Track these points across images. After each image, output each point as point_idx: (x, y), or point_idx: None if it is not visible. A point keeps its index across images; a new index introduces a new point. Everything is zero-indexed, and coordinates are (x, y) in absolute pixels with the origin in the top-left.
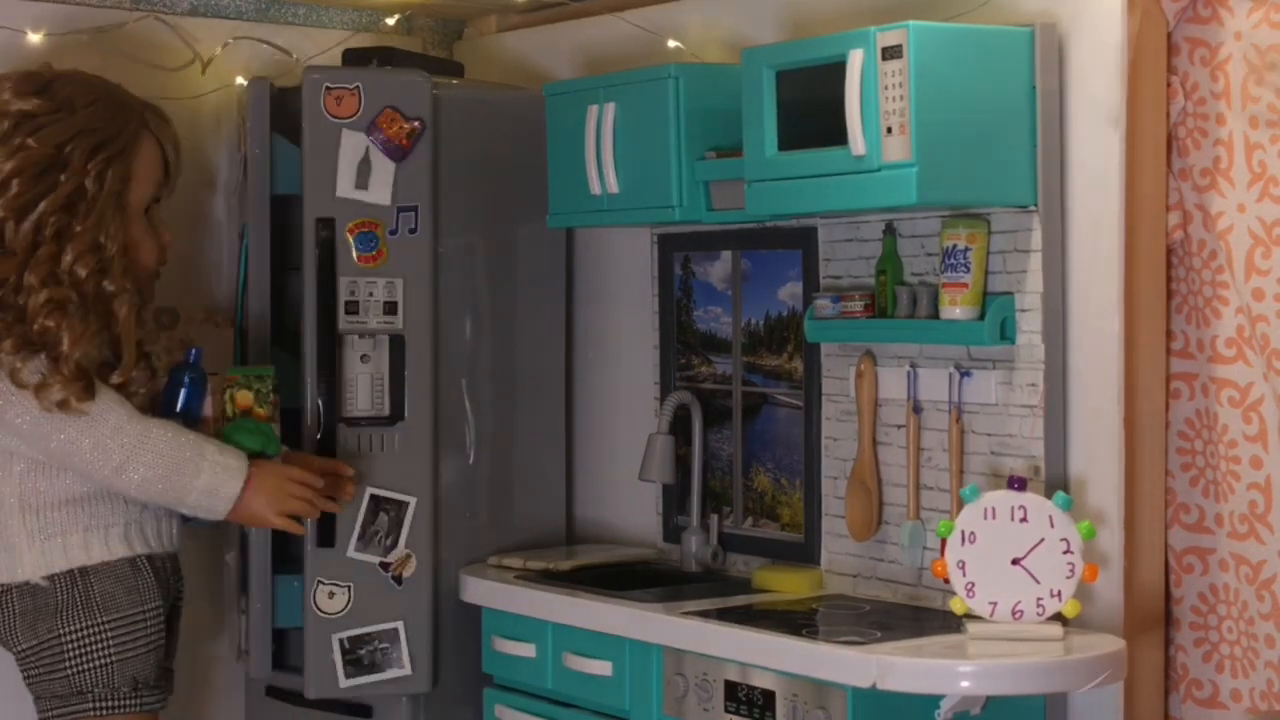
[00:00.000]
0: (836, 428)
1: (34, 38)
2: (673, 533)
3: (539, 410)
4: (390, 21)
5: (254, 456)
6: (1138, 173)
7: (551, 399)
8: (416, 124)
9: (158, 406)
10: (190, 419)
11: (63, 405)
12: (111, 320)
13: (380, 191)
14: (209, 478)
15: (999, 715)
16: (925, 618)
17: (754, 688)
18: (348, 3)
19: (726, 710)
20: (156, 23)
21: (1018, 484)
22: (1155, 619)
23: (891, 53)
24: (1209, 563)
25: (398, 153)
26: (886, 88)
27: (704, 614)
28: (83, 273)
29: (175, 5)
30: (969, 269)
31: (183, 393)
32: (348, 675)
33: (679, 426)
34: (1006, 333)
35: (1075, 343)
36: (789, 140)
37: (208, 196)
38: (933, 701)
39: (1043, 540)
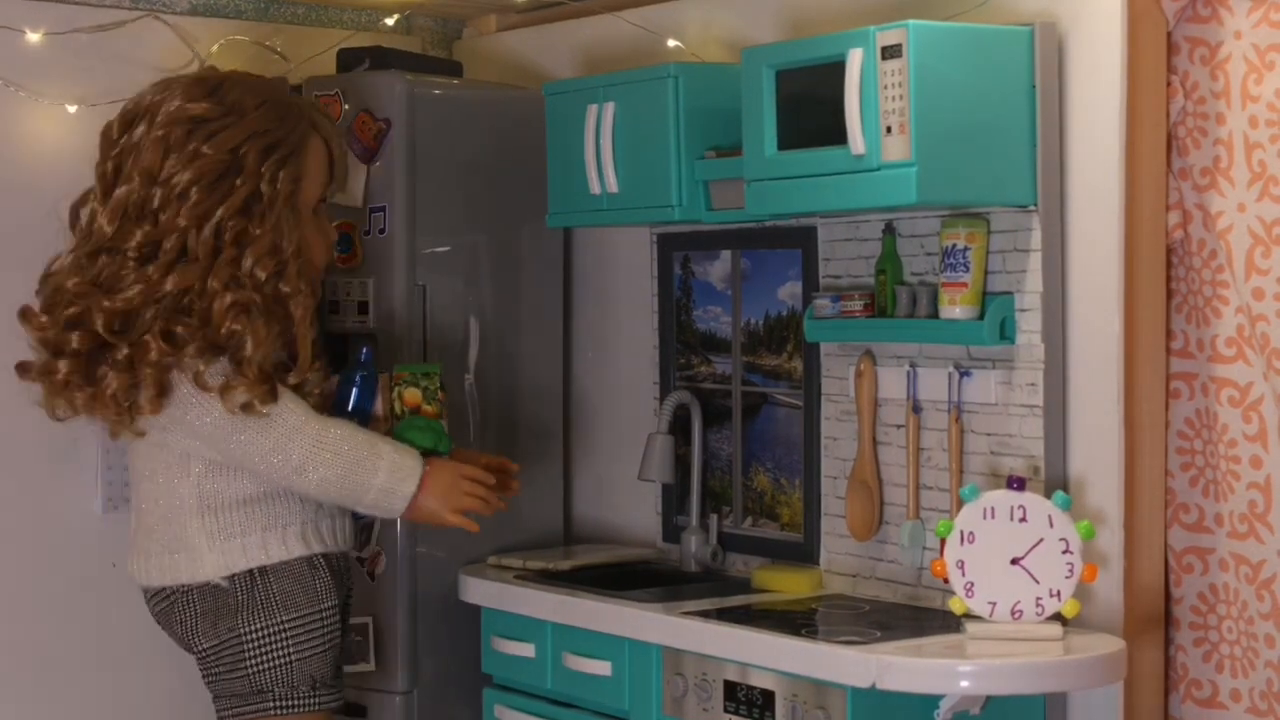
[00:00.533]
0: (836, 427)
1: (33, 37)
2: (672, 532)
3: (539, 410)
4: (389, 21)
5: (426, 454)
6: (1138, 172)
7: (551, 399)
8: (382, 124)
9: (331, 406)
10: (363, 417)
11: (247, 408)
12: (288, 321)
13: (355, 193)
14: (386, 477)
15: (999, 715)
16: (925, 618)
17: (753, 688)
18: (347, 2)
19: (726, 710)
20: (156, 22)
21: (1017, 484)
22: (1155, 619)
23: (891, 52)
24: (1209, 562)
25: (366, 154)
26: (886, 87)
27: (703, 614)
28: (262, 275)
29: (174, 4)
30: (968, 269)
31: (354, 392)
32: None
33: (678, 426)
34: (1006, 332)
35: (1075, 343)
36: (789, 140)
37: None
38: (932, 701)
39: (1042, 540)
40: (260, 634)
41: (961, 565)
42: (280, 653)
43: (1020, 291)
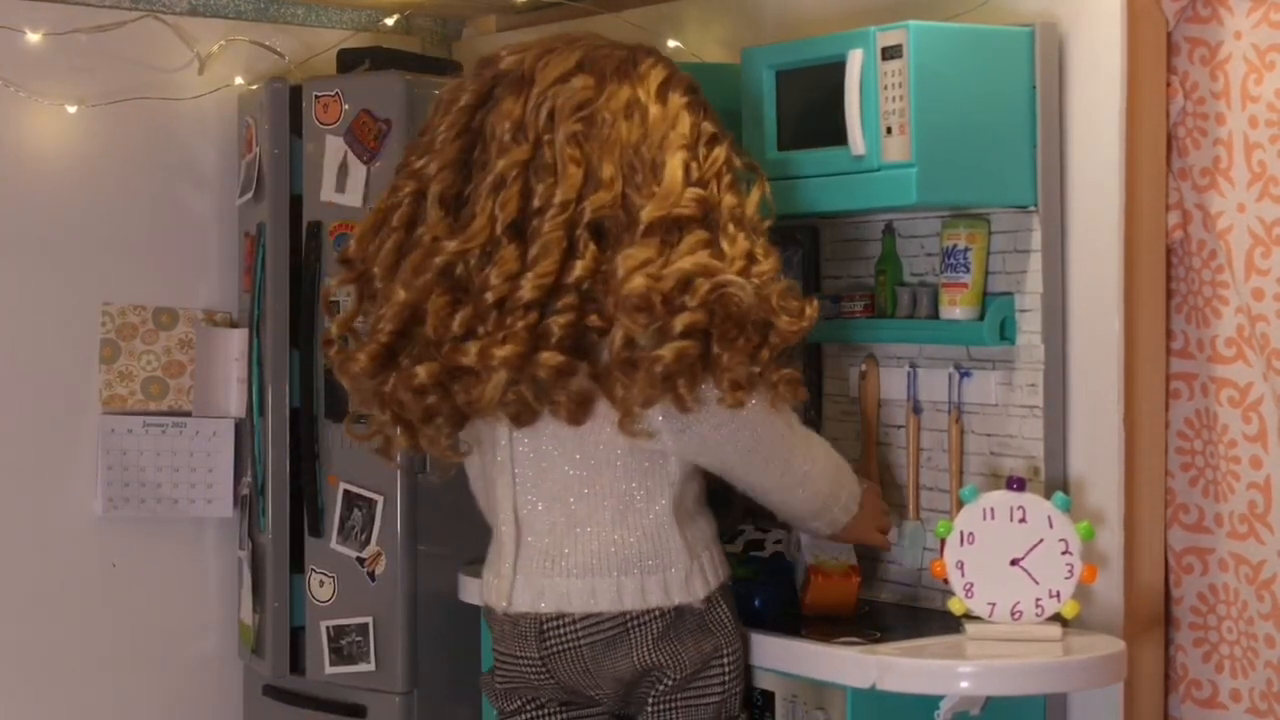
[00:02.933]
0: (837, 428)
1: (33, 37)
2: None
3: None
4: (389, 21)
5: None
6: (1137, 172)
7: None
8: (383, 125)
9: None
10: None
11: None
12: None
13: (354, 194)
14: (849, 492)
15: (999, 715)
16: (925, 618)
17: (752, 688)
18: (346, 2)
19: None
20: (155, 22)
21: (1016, 484)
22: (1155, 619)
23: (891, 53)
24: (1208, 563)
25: (366, 154)
26: (886, 88)
27: None
28: None
29: (174, 5)
30: (969, 269)
31: None
32: (331, 664)
33: None
34: (1006, 333)
35: (1075, 343)
36: (789, 140)
37: (196, 196)
38: (932, 702)
39: (1041, 541)
40: (736, 654)
41: (961, 566)
42: (741, 673)
43: (1020, 292)
